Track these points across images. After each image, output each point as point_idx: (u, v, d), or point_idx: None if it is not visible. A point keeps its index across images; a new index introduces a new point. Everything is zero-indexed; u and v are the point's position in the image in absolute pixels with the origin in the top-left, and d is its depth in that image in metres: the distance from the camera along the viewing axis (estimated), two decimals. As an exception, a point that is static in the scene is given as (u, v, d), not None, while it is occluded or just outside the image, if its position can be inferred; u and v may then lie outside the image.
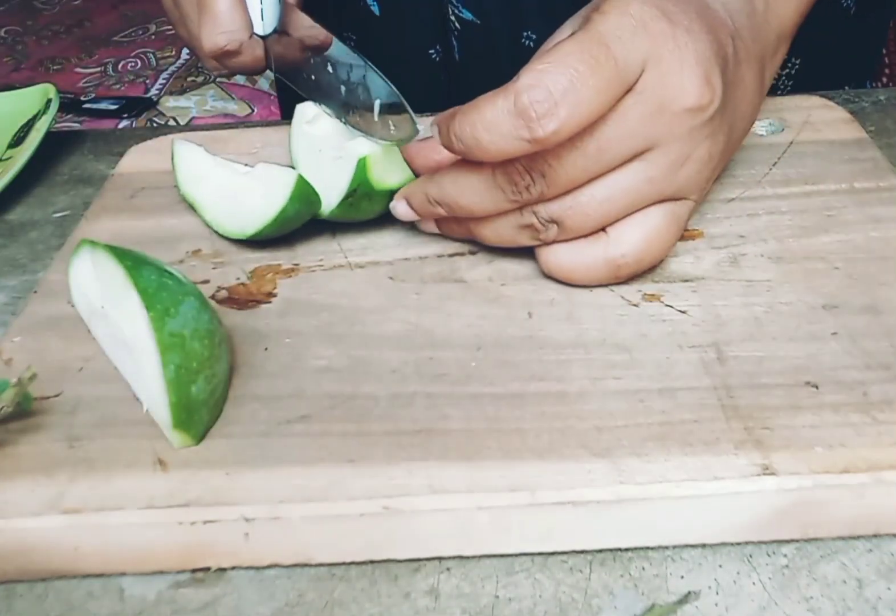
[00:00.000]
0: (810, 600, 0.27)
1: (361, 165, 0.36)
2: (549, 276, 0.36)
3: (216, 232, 0.40)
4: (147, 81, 1.88)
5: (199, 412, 0.29)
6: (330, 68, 0.39)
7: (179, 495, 0.28)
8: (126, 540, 0.28)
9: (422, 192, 0.36)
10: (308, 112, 0.41)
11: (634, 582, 0.27)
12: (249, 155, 0.46)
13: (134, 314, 0.29)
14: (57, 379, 0.33)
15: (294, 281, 0.38)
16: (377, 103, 0.37)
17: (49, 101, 0.51)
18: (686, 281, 0.36)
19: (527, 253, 0.37)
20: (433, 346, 0.33)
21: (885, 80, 0.81)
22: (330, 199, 0.38)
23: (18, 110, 0.52)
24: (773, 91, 0.58)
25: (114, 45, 2.06)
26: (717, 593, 0.27)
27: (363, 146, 0.37)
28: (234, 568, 0.28)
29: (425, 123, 0.35)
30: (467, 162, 0.34)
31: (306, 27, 0.39)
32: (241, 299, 0.37)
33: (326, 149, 0.39)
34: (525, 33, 0.55)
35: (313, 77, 0.40)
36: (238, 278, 0.38)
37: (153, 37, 2.09)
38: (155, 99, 1.79)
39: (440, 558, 0.28)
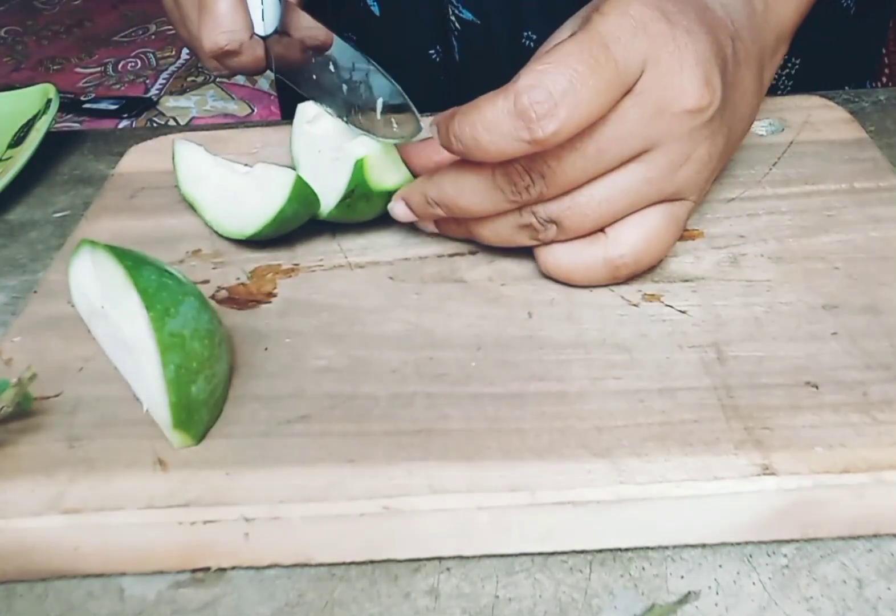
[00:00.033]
0: (810, 600, 0.27)
1: (359, 167, 0.36)
2: (548, 276, 0.36)
3: (216, 232, 0.40)
4: (147, 81, 1.88)
5: (199, 412, 0.29)
6: (331, 67, 0.39)
7: (179, 495, 0.28)
8: (126, 540, 0.28)
9: (420, 192, 0.36)
10: (309, 112, 0.41)
11: (634, 582, 0.27)
12: (249, 155, 0.46)
13: (134, 314, 0.29)
14: (57, 379, 0.33)
15: (294, 281, 0.38)
16: (380, 101, 0.37)
17: (49, 101, 0.51)
18: (686, 281, 0.36)
19: (527, 253, 0.37)
20: (433, 346, 0.33)
21: (885, 80, 0.81)
22: (328, 199, 0.38)
23: (18, 110, 0.52)
24: (773, 91, 0.58)
25: (114, 45, 2.06)
26: (717, 593, 0.27)
27: (361, 147, 0.37)
28: (234, 568, 0.28)
29: (425, 123, 0.35)
30: (466, 162, 0.34)
31: (307, 27, 0.39)
32: (241, 299, 0.37)
33: (326, 149, 0.39)
34: (525, 33, 0.55)
35: (314, 76, 0.40)
36: (238, 278, 0.38)
37: (153, 37, 2.09)
38: (155, 99, 1.79)
39: (440, 558, 0.28)
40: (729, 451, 0.28)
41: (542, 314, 0.35)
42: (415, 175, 0.38)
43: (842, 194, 0.40)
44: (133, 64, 1.97)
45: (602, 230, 0.34)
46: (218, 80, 1.80)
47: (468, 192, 0.34)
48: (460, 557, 0.28)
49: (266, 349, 0.34)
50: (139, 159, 0.47)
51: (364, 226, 0.40)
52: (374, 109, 0.38)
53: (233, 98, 1.77)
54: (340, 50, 0.38)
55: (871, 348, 0.32)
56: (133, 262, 0.30)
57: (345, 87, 0.39)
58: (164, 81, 1.87)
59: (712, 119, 0.33)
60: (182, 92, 1.82)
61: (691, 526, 0.28)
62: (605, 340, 0.33)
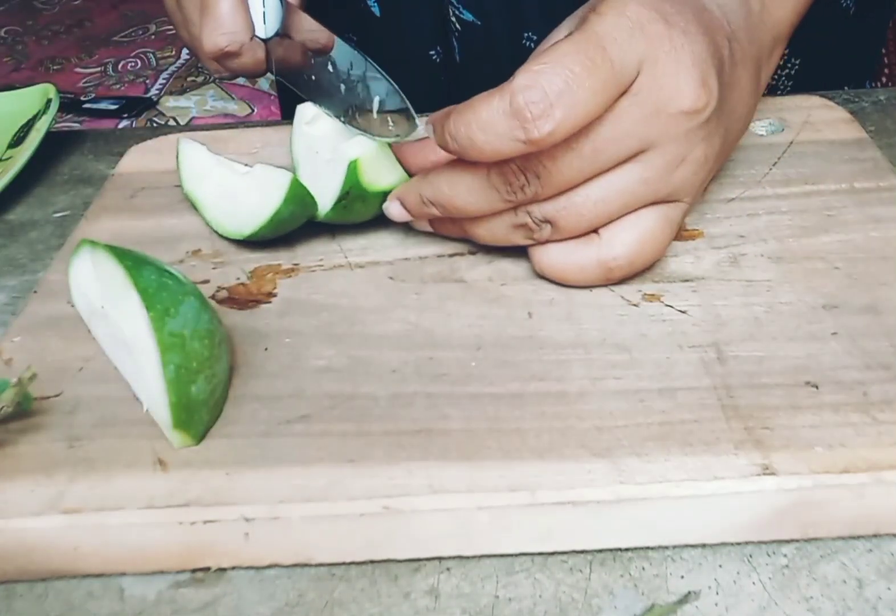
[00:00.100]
0: (810, 600, 0.27)
1: (352, 168, 0.36)
2: (543, 276, 0.36)
3: (216, 231, 0.40)
4: (147, 81, 1.88)
5: (199, 412, 0.29)
6: (330, 68, 0.39)
7: (179, 495, 0.28)
8: (126, 540, 0.28)
9: (416, 192, 0.36)
10: (307, 113, 0.41)
11: (634, 582, 0.27)
12: (249, 155, 0.46)
13: (134, 314, 0.29)
14: (57, 379, 0.33)
15: (294, 281, 0.38)
16: (376, 100, 0.37)
17: (49, 101, 0.51)
18: (686, 281, 0.36)
19: (527, 253, 0.37)
20: (433, 346, 0.33)
21: (884, 80, 0.81)
22: (325, 201, 0.38)
23: (18, 110, 0.52)
24: (773, 91, 0.58)
25: (114, 45, 2.06)
26: (717, 593, 0.27)
27: (354, 148, 0.37)
28: (234, 568, 0.28)
29: (422, 123, 0.35)
30: (462, 162, 0.34)
31: (308, 30, 0.39)
32: (241, 299, 0.37)
33: (323, 150, 0.39)
34: (525, 34, 0.55)
35: (313, 78, 0.40)
36: (238, 278, 0.38)
37: (153, 37, 2.09)
38: (155, 99, 1.79)
39: (440, 558, 0.28)
40: (729, 451, 0.28)
41: (542, 314, 0.35)
42: (410, 175, 0.38)
43: (842, 194, 0.40)
44: (133, 64, 1.97)
45: (596, 231, 0.34)
46: (218, 80, 1.80)
47: (463, 192, 0.34)
48: (460, 557, 0.28)
49: (266, 349, 0.34)
50: (139, 159, 0.47)
51: (364, 226, 0.40)
52: (370, 109, 0.38)
53: (233, 98, 1.77)
54: (339, 51, 0.38)
55: (871, 348, 0.32)
56: (133, 262, 0.30)
57: (343, 87, 0.39)
58: (164, 81, 1.88)
59: (709, 120, 0.33)
60: (182, 92, 1.82)
61: (691, 526, 0.28)
62: (605, 340, 0.33)
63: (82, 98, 1.78)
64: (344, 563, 0.28)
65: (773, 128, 0.45)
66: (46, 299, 0.37)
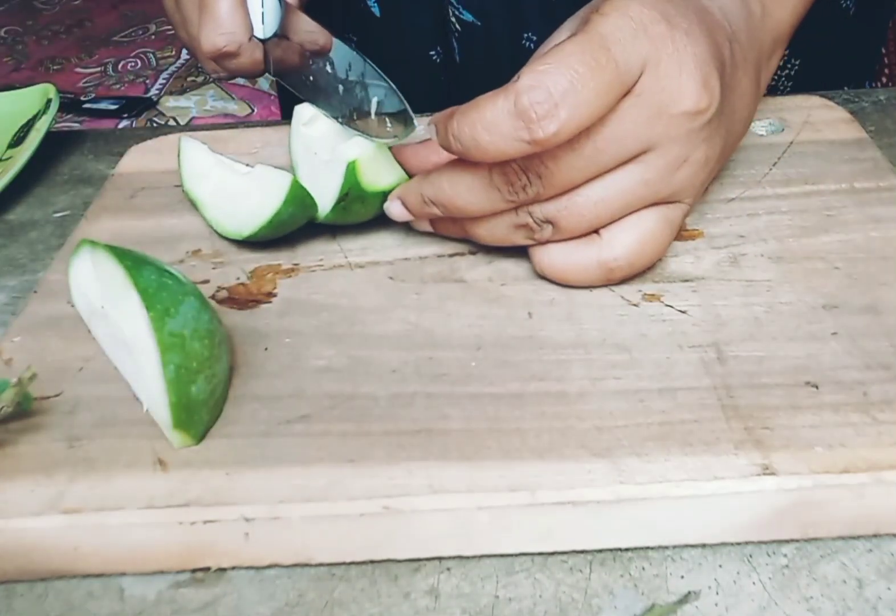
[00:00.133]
0: (810, 600, 0.27)
1: (351, 169, 0.36)
2: (543, 276, 0.36)
3: (216, 231, 0.40)
4: (147, 81, 1.88)
5: (199, 412, 0.29)
6: (328, 69, 0.39)
7: (179, 495, 0.28)
8: (126, 540, 0.28)
9: (417, 192, 0.36)
10: (305, 114, 0.41)
11: (634, 582, 0.27)
12: (249, 155, 0.46)
13: (134, 314, 0.29)
14: (57, 379, 0.33)
15: (294, 281, 0.38)
16: (374, 101, 0.37)
17: (49, 101, 0.51)
18: (686, 281, 0.36)
19: (527, 253, 0.37)
20: (433, 346, 0.33)
21: (885, 80, 0.81)
22: (325, 202, 0.38)
23: (18, 110, 0.52)
24: (773, 91, 0.58)
25: (114, 45, 2.06)
26: (717, 593, 0.27)
27: (353, 149, 0.37)
28: (234, 568, 0.28)
29: (423, 124, 0.35)
30: (463, 162, 0.33)
31: (307, 31, 0.39)
32: (241, 299, 0.37)
33: (321, 151, 0.39)
34: (525, 35, 0.55)
35: (312, 79, 0.40)
36: (238, 278, 0.38)
37: (153, 37, 2.09)
38: (155, 99, 1.79)
39: (440, 558, 0.28)
40: (729, 451, 0.28)
41: (542, 314, 0.35)
42: (410, 175, 0.38)
43: (842, 194, 0.40)
44: (133, 64, 1.97)
45: (597, 232, 0.34)
46: (217, 80, 1.80)
47: (465, 192, 0.34)
48: (460, 557, 0.28)
49: (266, 349, 0.34)
50: (139, 159, 0.47)
51: (364, 226, 0.40)
52: (369, 110, 0.38)
53: (233, 98, 1.77)
54: (338, 51, 0.38)
55: (871, 348, 0.32)
56: (133, 262, 0.30)
57: (341, 88, 0.39)
58: (164, 81, 1.88)
59: (710, 121, 0.33)
60: (182, 92, 1.82)
61: (691, 526, 0.28)
62: (605, 340, 0.33)
63: (82, 98, 1.78)
64: (344, 563, 0.28)
65: (773, 128, 0.45)
66: (46, 299, 0.37)
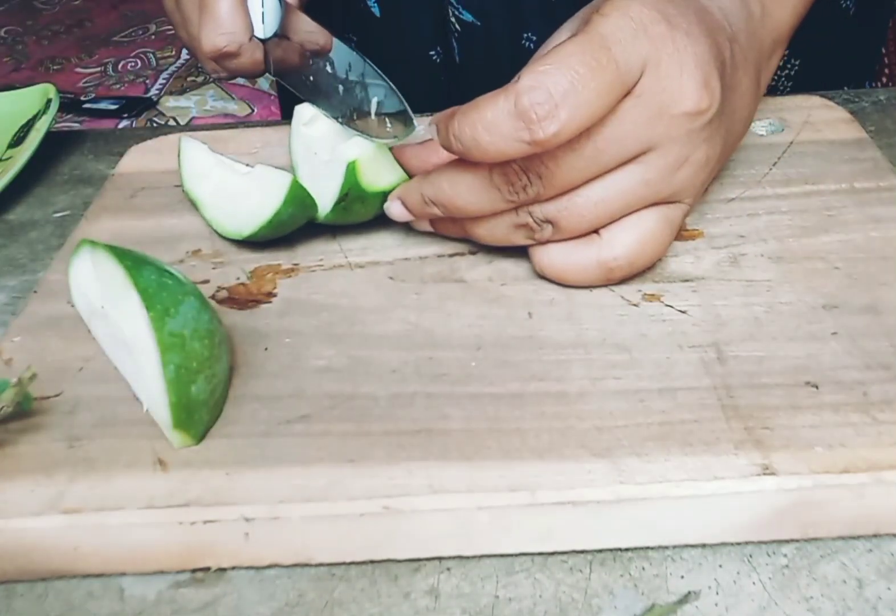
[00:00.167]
0: (810, 600, 0.27)
1: (351, 169, 0.36)
2: (543, 276, 0.36)
3: (216, 231, 0.40)
4: (147, 81, 1.88)
5: (199, 412, 0.29)
6: (328, 69, 0.39)
7: (179, 495, 0.28)
8: (126, 540, 0.28)
9: (417, 192, 0.36)
10: (305, 114, 0.41)
11: (634, 582, 0.27)
12: (249, 155, 0.46)
13: (134, 314, 0.29)
14: (57, 379, 0.33)
15: (294, 281, 0.38)
16: (374, 101, 0.37)
17: (49, 101, 0.51)
18: (686, 281, 0.36)
19: (527, 253, 0.37)
20: (433, 346, 0.33)
21: (885, 80, 0.82)
22: (325, 202, 0.38)
23: (18, 110, 0.52)
24: (773, 91, 0.58)
25: (114, 45, 2.06)
26: (717, 593, 0.27)
27: (352, 150, 0.37)
28: (234, 568, 0.28)
29: (424, 125, 0.35)
30: (463, 162, 0.33)
31: (307, 31, 0.39)
32: (241, 299, 0.37)
33: (321, 151, 0.39)
34: (525, 35, 0.55)
35: (312, 79, 0.40)
36: (238, 278, 0.38)
37: (153, 37, 2.09)
38: (155, 99, 1.79)
39: (440, 558, 0.28)
40: (729, 451, 0.28)
41: (542, 314, 0.35)
42: (410, 176, 0.38)
43: (842, 194, 0.40)
44: (133, 64, 1.97)
45: (597, 232, 0.34)
46: (217, 80, 1.80)
47: (465, 192, 0.34)
48: (460, 557, 0.28)
49: (266, 349, 0.34)
50: (139, 159, 0.47)
51: (364, 226, 0.40)
52: (368, 111, 0.38)
53: (233, 98, 1.77)
54: (338, 52, 0.38)
55: (871, 348, 0.32)
56: (133, 262, 0.30)
57: (341, 88, 0.39)
58: (164, 81, 1.88)
59: (711, 122, 0.33)
60: (182, 92, 1.82)
61: (691, 526, 0.28)
62: (605, 340, 0.33)
63: (82, 98, 1.78)
64: (344, 563, 0.28)
65: (773, 128, 0.45)
66: (46, 299, 0.37)
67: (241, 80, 1.78)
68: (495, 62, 0.56)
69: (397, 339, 0.34)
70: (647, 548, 0.28)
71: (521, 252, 0.37)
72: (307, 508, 0.27)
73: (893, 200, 0.40)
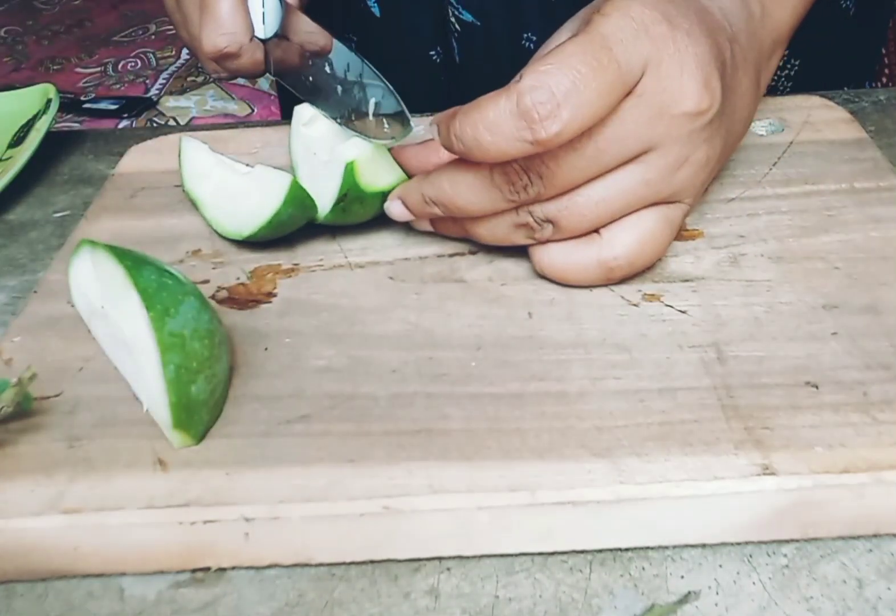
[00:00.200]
0: (810, 600, 0.27)
1: (349, 170, 0.36)
2: (543, 276, 0.36)
3: (216, 231, 0.40)
4: (147, 81, 1.88)
5: (199, 412, 0.29)
6: (327, 69, 0.39)
7: (179, 495, 0.28)
8: (126, 540, 0.28)
9: (417, 191, 0.36)
10: (304, 114, 0.41)
11: (634, 582, 0.27)
12: (249, 155, 0.46)
13: (134, 314, 0.29)
14: (57, 379, 0.33)
15: (294, 281, 0.38)
16: (372, 102, 0.37)
17: (49, 101, 0.51)
18: (686, 281, 0.36)
19: (527, 253, 0.37)
20: (433, 346, 0.33)
21: (885, 80, 0.82)
22: (324, 203, 0.38)
23: (18, 110, 0.52)
24: (773, 91, 0.58)
25: (114, 45, 2.06)
26: (717, 593, 0.27)
27: (351, 150, 0.37)
28: (234, 568, 0.28)
29: (423, 124, 0.35)
30: (464, 161, 0.33)
31: (307, 32, 0.39)
32: (241, 299, 0.37)
33: (320, 152, 0.39)
34: (525, 35, 0.55)
35: (311, 79, 0.40)
36: (238, 278, 0.38)
37: (153, 37, 2.09)
38: (155, 99, 1.79)
39: (440, 558, 0.28)
40: (729, 451, 0.28)
41: (542, 314, 0.35)
42: (409, 176, 0.38)
43: (842, 194, 0.40)
44: (133, 64, 1.97)
45: (597, 231, 0.34)
46: (217, 80, 1.80)
47: (466, 191, 0.34)
48: (460, 557, 0.28)
49: (266, 349, 0.34)
50: (139, 159, 0.47)
51: (364, 226, 0.40)
52: (366, 111, 0.38)
53: (233, 98, 1.77)
54: (337, 52, 0.38)
55: (871, 348, 0.32)
56: (133, 262, 0.30)
57: (340, 89, 0.39)
58: (164, 81, 1.88)
59: (711, 122, 0.33)
60: (182, 92, 1.82)
61: (691, 526, 0.28)
62: (605, 340, 0.33)
63: (82, 98, 1.78)
64: (344, 563, 0.28)
65: (773, 128, 0.45)
66: (46, 299, 0.37)
67: (241, 81, 1.78)
68: (495, 62, 0.56)
69: (397, 339, 0.34)
70: (647, 548, 0.28)
71: (521, 252, 0.37)
72: (307, 508, 0.27)
73: (893, 200, 0.40)
